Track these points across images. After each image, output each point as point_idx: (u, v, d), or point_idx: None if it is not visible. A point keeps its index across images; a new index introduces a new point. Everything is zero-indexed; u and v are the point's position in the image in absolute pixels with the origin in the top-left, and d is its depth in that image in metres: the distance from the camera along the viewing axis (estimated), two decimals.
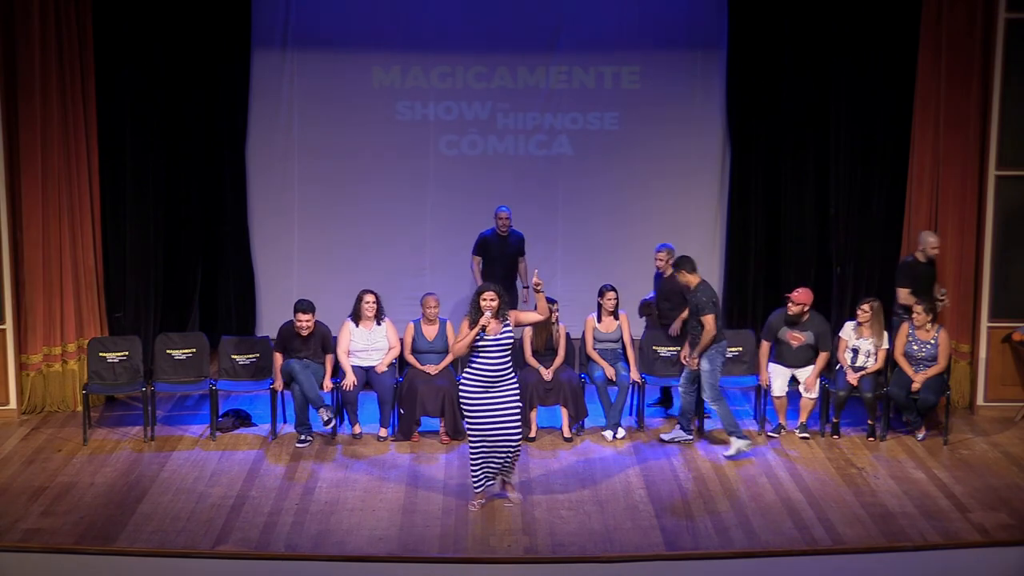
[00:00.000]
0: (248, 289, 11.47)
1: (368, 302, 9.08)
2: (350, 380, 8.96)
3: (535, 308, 7.83)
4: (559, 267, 11.35)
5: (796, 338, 9.12)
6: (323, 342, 9.10)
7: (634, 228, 11.40)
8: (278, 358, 9.03)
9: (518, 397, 7.67)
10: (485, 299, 7.50)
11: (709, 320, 8.58)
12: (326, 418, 8.75)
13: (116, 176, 10.01)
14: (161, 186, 10.38)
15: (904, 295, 9.23)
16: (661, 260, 9.55)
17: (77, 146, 9.46)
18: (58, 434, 9.12)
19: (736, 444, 8.60)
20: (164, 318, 10.49)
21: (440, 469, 8.40)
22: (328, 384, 9.01)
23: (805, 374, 9.10)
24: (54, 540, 7.14)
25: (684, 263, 8.76)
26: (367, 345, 9.13)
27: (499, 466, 7.70)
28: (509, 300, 7.83)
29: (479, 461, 7.63)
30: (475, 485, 7.70)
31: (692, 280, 8.72)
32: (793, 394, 9.23)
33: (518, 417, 7.64)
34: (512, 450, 7.64)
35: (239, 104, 11.07)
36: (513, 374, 7.65)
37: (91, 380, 9.25)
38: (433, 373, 9.00)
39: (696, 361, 8.73)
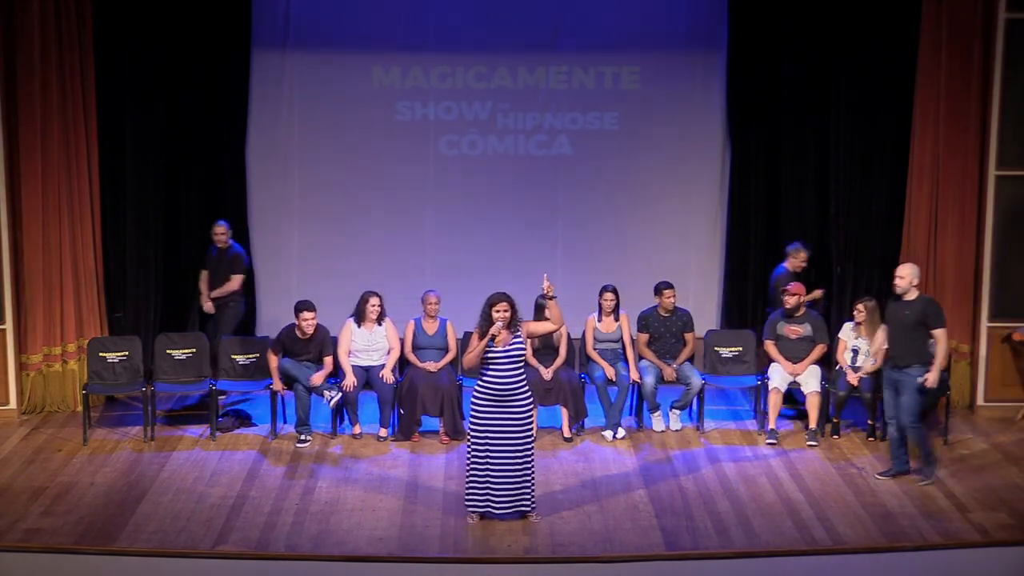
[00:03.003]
0: (248, 289, 11.46)
1: (373, 304, 9.07)
2: (350, 380, 8.96)
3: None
4: (559, 267, 11.32)
5: (794, 331, 9.19)
6: (322, 346, 9.08)
7: (634, 228, 11.38)
8: (273, 359, 9.02)
9: (530, 418, 7.41)
10: (498, 310, 7.25)
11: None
12: (330, 395, 8.77)
13: (116, 176, 10.00)
14: (161, 186, 10.36)
15: None
16: (802, 259, 9.88)
17: (77, 146, 9.46)
18: (58, 434, 9.12)
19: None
20: (164, 318, 10.46)
21: (440, 469, 8.40)
22: (318, 378, 8.97)
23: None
24: (54, 540, 7.14)
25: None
26: (367, 345, 9.13)
27: (503, 496, 7.33)
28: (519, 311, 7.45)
29: (475, 478, 7.39)
30: (467, 501, 7.47)
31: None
32: (794, 393, 9.24)
33: (525, 439, 7.34)
34: (511, 475, 7.32)
35: (239, 104, 11.05)
36: (526, 391, 7.35)
37: (91, 380, 9.25)
38: (434, 370, 9.00)
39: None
